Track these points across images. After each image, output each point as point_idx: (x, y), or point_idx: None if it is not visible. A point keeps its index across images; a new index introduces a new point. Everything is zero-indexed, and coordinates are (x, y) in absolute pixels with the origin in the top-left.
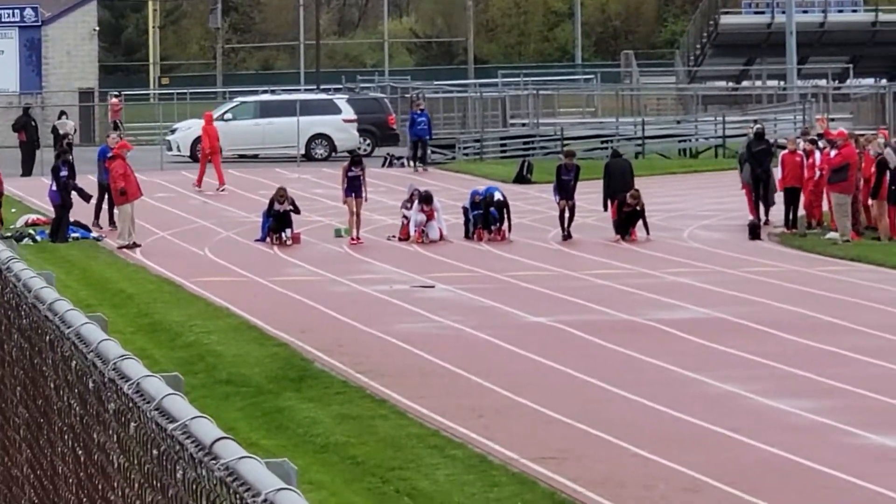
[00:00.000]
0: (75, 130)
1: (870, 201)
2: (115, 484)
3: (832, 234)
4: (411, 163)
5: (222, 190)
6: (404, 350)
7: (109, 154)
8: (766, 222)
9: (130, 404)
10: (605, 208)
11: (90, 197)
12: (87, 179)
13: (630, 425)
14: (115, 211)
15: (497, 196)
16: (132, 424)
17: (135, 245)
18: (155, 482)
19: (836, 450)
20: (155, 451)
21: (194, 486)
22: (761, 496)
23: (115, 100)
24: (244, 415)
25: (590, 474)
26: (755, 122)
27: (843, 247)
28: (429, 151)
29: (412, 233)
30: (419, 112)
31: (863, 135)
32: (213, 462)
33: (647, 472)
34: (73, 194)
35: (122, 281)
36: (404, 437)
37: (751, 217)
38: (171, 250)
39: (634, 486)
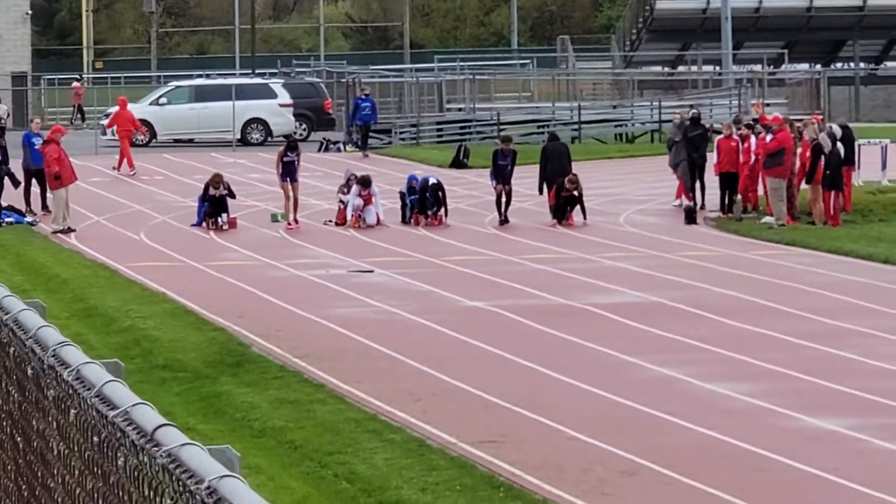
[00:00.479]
0: (8, 115)
1: (804, 185)
2: (55, 471)
3: (767, 219)
4: (347, 147)
5: (132, 174)
6: (342, 334)
7: (40, 138)
8: (703, 206)
9: (70, 391)
10: (541, 192)
11: (20, 183)
12: (19, 165)
13: (568, 409)
14: (49, 195)
15: (432, 181)
16: (72, 411)
17: (69, 230)
18: (96, 469)
19: (771, 432)
20: (96, 438)
21: (136, 474)
22: (698, 478)
23: (76, 84)
24: (181, 400)
25: (528, 458)
26: (691, 107)
27: (779, 231)
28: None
29: (349, 217)
30: (363, 97)
31: (800, 120)
32: (156, 449)
33: (585, 456)
34: (6, 179)
35: (56, 266)
36: (342, 421)
37: (685, 201)
38: (107, 235)
39: (572, 470)
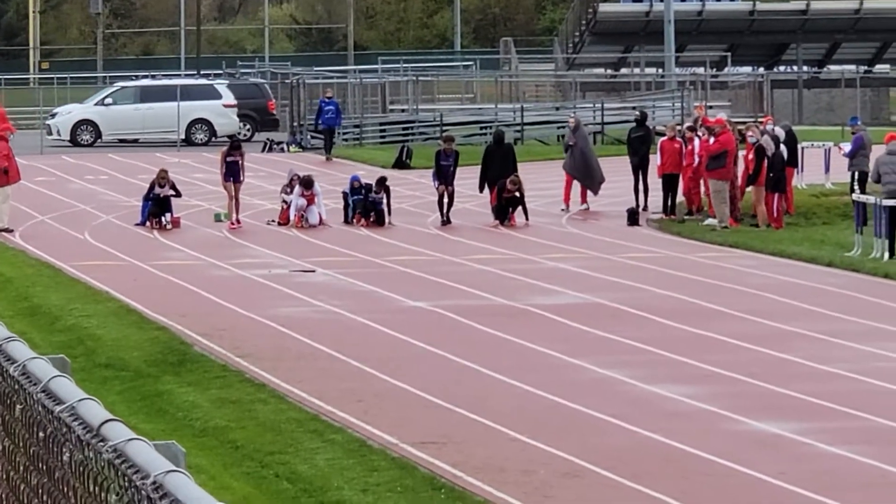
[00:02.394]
0: None
1: (748, 188)
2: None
3: (710, 221)
4: (291, 148)
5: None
6: (284, 334)
7: None
8: (645, 208)
9: (16, 386)
10: (481, 190)
11: None
12: None
13: (510, 410)
14: None
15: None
16: (18, 406)
17: (7, 230)
18: (40, 464)
19: (715, 435)
20: (41, 434)
21: (81, 469)
22: (641, 481)
23: None
24: (123, 398)
25: (469, 459)
26: (634, 108)
27: (722, 233)
28: (302, 138)
29: (292, 217)
30: (327, 100)
31: (743, 123)
32: (101, 444)
33: (527, 458)
34: None
35: (0, 265)
36: (284, 421)
37: (564, 205)
38: (51, 234)
39: (514, 472)
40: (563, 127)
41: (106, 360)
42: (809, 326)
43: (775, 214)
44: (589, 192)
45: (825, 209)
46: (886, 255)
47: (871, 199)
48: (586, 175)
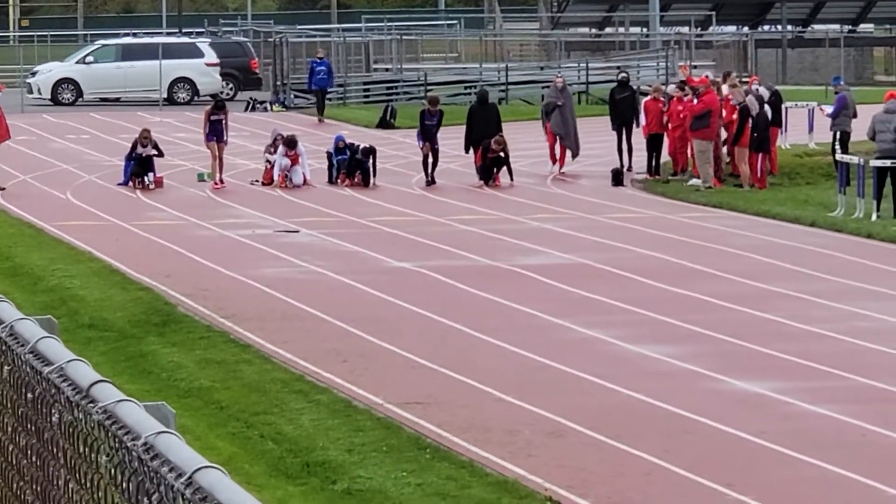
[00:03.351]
0: None
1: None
2: None
3: (694, 181)
4: (274, 107)
5: None
6: (268, 295)
7: None
8: (630, 168)
9: (3, 347)
10: (467, 151)
11: None
12: None
13: (494, 371)
14: None
15: (363, 146)
16: (5, 368)
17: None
18: (29, 426)
19: (698, 395)
20: (30, 395)
21: (71, 430)
22: (624, 440)
23: None
24: (107, 359)
25: (454, 420)
26: (619, 68)
27: (705, 193)
28: (286, 97)
29: (276, 177)
30: (318, 60)
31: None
32: (91, 405)
33: (512, 417)
34: None
35: None
36: (268, 381)
37: (552, 164)
38: (33, 194)
39: (499, 431)
40: (548, 86)
41: (89, 321)
42: (792, 286)
43: (759, 174)
44: (567, 154)
45: (808, 169)
46: (875, 214)
47: (854, 159)
48: (569, 136)
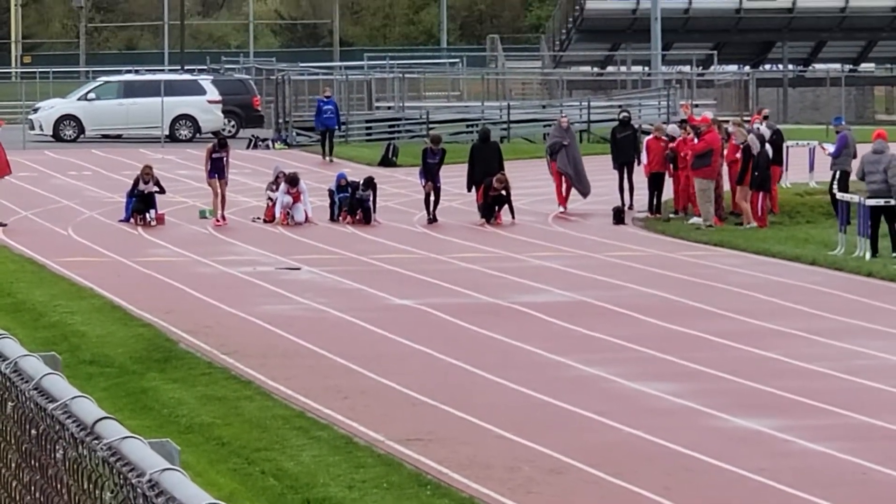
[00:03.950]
0: None
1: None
2: None
3: (695, 220)
4: (276, 145)
5: None
6: (269, 331)
7: None
8: (631, 207)
9: (8, 384)
10: (469, 189)
11: None
12: None
13: (495, 407)
14: None
15: (363, 178)
16: (9, 404)
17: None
18: (33, 462)
19: (698, 432)
20: (34, 431)
21: (75, 466)
22: (625, 478)
23: None
24: (108, 395)
25: (455, 456)
26: (620, 106)
27: (706, 232)
28: (288, 135)
29: (277, 214)
30: (325, 99)
31: (726, 121)
32: (96, 442)
33: (512, 454)
34: None
35: None
36: (270, 418)
37: (560, 206)
38: (34, 230)
39: (500, 468)
40: (550, 125)
41: (91, 357)
42: (792, 324)
43: (760, 213)
44: (573, 194)
45: (809, 208)
46: (868, 254)
47: (854, 198)
48: (578, 176)
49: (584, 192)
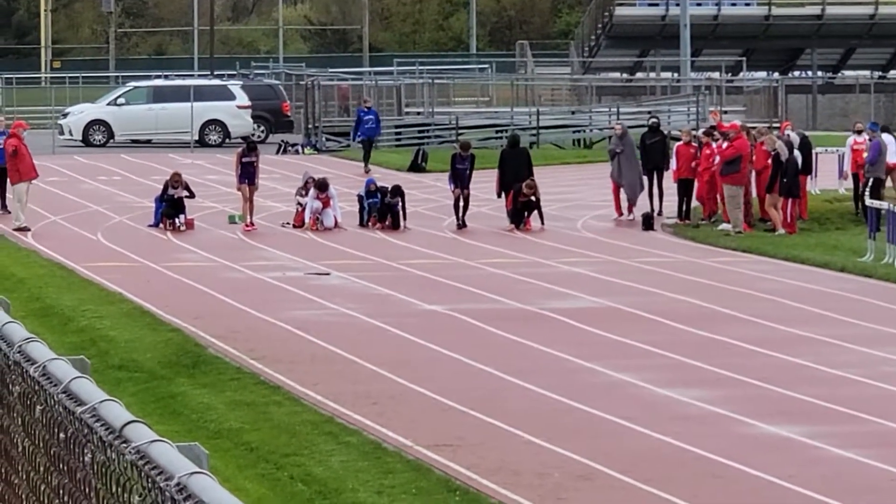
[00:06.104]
0: None
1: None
2: (20, 467)
3: (724, 226)
4: (305, 150)
5: None
6: (298, 337)
7: (3, 136)
8: (660, 213)
9: (36, 387)
10: (499, 195)
11: None
12: None
13: (524, 413)
14: (9, 195)
15: (390, 186)
16: (38, 408)
17: (24, 228)
18: (62, 465)
19: (727, 439)
20: (62, 435)
21: (104, 470)
22: (653, 484)
23: None
24: (137, 400)
25: (484, 462)
26: (649, 112)
27: (735, 238)
28: (317, 140)
29: (307, 220)
30: (366, 109)
31: (754, 127)
32: (124, 445)
33: (542, 460)
34: None
35: (12, 265)
36: (298, 423)
37: (616, 214)
38: (64, 235)
39: (529, 474)
40: (579, 131)
41: (119, 362)
42: (821, 331)
43: (789, 220)
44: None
45: (838, 215)
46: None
47: (884, 205)
48: (631, 182)
49: (631, 198)
